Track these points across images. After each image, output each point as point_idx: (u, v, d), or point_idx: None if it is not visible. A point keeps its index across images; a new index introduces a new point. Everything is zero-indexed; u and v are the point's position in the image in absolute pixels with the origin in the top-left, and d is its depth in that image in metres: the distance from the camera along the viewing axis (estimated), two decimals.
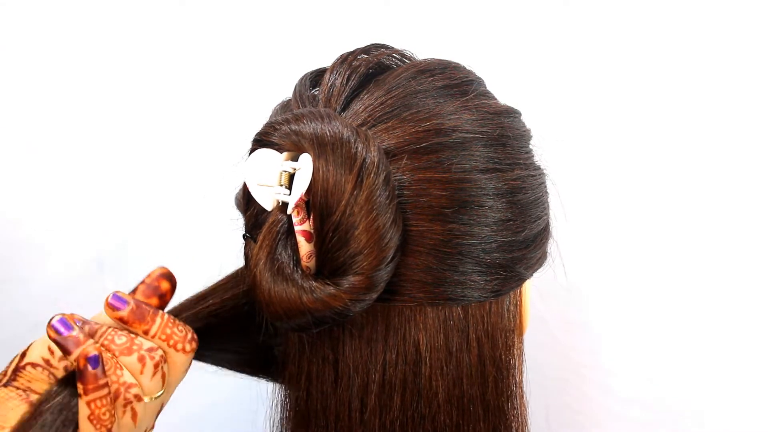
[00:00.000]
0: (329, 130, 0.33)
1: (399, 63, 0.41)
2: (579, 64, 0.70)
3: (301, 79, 0.41)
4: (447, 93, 0.38)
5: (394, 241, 0.34)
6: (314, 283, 0.33)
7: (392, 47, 0.42)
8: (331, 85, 0.38)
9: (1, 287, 0.74)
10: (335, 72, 0.39)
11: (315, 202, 0.33)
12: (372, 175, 0.33)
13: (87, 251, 0.76)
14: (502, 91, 0.44)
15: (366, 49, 0.41)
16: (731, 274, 0.67)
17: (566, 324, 0.73)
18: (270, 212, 0.35)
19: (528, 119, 0.44)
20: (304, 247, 0.34)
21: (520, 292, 0.41)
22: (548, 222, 0.42)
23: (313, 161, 0.33)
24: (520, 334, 0.42)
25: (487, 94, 0.41)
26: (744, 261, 0.66)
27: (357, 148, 0.33)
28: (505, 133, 0.38)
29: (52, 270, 0.75)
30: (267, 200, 0.35)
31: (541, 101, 0.69)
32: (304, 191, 0.33)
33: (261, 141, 0.36)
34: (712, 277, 0.67)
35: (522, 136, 0.41)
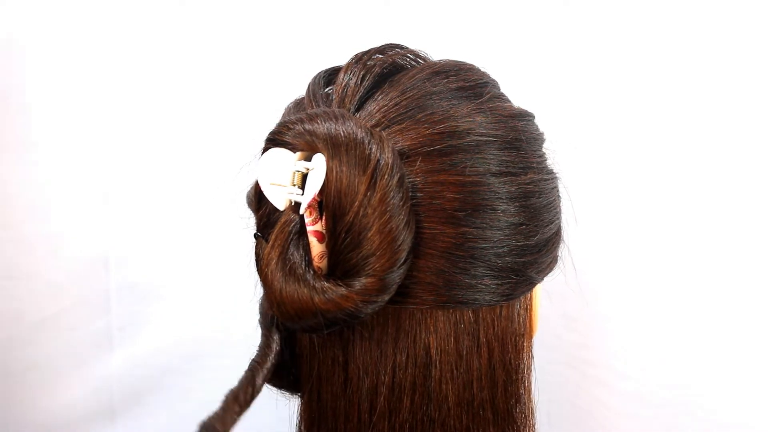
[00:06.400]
0: (343, 131, 0.33)
1: (414, 63, 0.41)
2: (579, 65, 0.70)
3: (315, 77, 0.41)
4: (461, 95, 0.38)
5: (407, 244, 0.33)
6: (326, 284, 0.33)
7: (407, 47, 0.42)
8: (345, 84, 0.38)
9: (5, 284, 0.74)
10: (350, 72, 0.38)
11: (328, 203, 0.33)
12: (386, 177, 0.32)
13: (92, 249, 0.76)
14: (502, 91, 0.44)
15: (381, 49, 0.41)
16: (733, 273, 0.67)
17: (568, 321, 0.74)
18: (282, 212, 0.35)
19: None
20: (316, 248, 0.34)
21: (531, 295, 0.41)
22: (560, 226, 0.42)
23: (327, 161, 0.33)
24: (530, 337, 0.41)
25: (501, 97, 0.41)
26: (747, 263, 0.67)
27: (371, 149, 0.33)
28: (518, 137, 0.38)
29: (57, 268, 0.75)
30: (279, 200, 0.35)
31: (540, 102, 0.68)
32: (318, 191, 0.33)
33: (274, 140, 0.36)
34: (713, 275, 0.68)
35: (535, 139, 0.40)
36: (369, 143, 0.33)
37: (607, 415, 0.73)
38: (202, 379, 0.80)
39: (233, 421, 0.34)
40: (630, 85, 0.69)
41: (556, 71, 0.70)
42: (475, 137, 0.36)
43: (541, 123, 0.43)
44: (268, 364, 0.37)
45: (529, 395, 0.41)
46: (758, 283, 0.67)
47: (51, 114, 0.73)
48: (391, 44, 0.42)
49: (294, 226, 0.34)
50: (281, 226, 0.34)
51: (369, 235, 0.32)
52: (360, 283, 0.33)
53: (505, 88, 0.43)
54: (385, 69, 0.39)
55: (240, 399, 0.35)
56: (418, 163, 0.35)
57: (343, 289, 0.33)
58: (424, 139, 0.36)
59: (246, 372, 0.37)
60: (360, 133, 0.33)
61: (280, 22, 0.73)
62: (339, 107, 0.37)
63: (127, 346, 0.79)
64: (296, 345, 0.41)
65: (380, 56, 0.40)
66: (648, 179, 0.69)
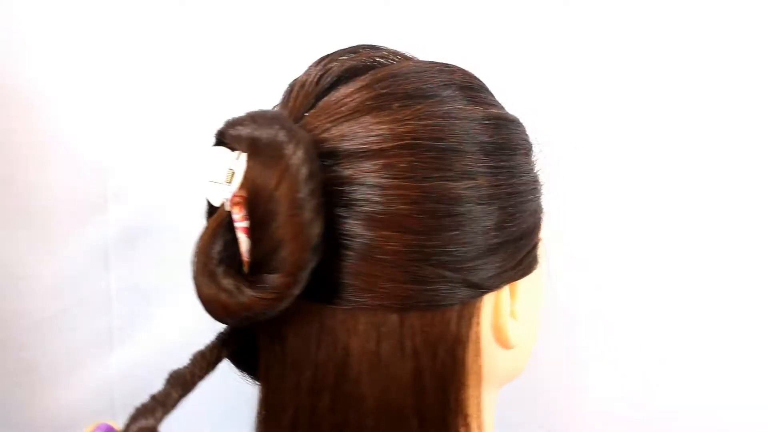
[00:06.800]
0: (264, 132, 0.34)
1: (383, 63, 0.41)
2: (579, 65, 0.69)
3: (295, 77, 0.42)
4: (415, 96, 0.38)
5: (314, 240, 0.34)
6: (231, 281, 0.34)
7: (381, 48, 0.42)
8: (300, 84, 0.39)
9: (5, 284, 0.75)
10: (308, 73, 0.40)
11: (247, 200, 0.34)
12: (295, 172, 0.33)
13: (92, 249, 0.77)
14: (501, 92, 0.44)
15: (349, 50, 0.41)
16: (728, 275, 0.67)
17: (567, 321, 0.73)
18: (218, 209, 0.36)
19: (526, 121, 0.43)
20: (245, 244, 0.35)
21: (481, 305, 0.38)
22: (521, 235, 0.40)
23: (247, 161, 0.34)
24: (477, 348, 0.39)
25: (473, 99, 0.39)
26: (745, 267, 0.66)
27: (288, 148, 0.33)
28: (468, 140, 0.37)
29: (57, 268, 0.76)
30: (215, 197, 0.36)
31: (540, 102, 0.69)
32: (236, 189, 0.34)
33: (217, 139, 0.37)
34: (707, 278, 0.67)
35: (495, 143, 0.38)
36: (286, 143, 0.33)
37: (606, 419, 0.73)
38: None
39: (200, 377, 0.37)
40: (630, 85, 0.68)
41: (556, 71, 0.70)
42: (410, 141, 0.36)
43: (542, 123, 0.43)
44: (232, 344, 0.40)
45: (478, 407, 0.39)
46: (755, 286, 0.66)
47: (51, 114, 0.73)
48: (363, 45, 0.42)
49: (221, 222, 0.36)
50: (210, 222, 0.36)
51: (275, 229, 0.33)
52: (266, 280, 0.34)
53: (505, 88, 0.43)
54: (347, 71, 0.40)
55: (207, 357, 0.38)
56: (345, 163, 0.36)
57: (246, 287, 0.34)
58: (356, 140, 0.36)
59: (213, 340, 0.40)
60: (280, 135, 0.34)
61: (279, 22, 0.73)
62: (293, 106, 0.39)
63: (128, 347, 0.79)
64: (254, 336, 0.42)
65: (344, 57, 0.40)
66: (648, 180, 0.69)
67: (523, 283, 0.41)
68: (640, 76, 0.68)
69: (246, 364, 0.43)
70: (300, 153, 0.33)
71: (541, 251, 0.43)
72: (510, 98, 0.43)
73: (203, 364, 0.38)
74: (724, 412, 0.69)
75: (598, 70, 0.69)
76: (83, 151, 0.75)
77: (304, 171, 0.33)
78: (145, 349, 0.80)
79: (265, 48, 0.74)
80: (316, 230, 0.34)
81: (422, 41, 0.64)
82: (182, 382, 0.36)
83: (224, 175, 0.35)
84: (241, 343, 0.41)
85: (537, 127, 0.44)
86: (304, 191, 0.33)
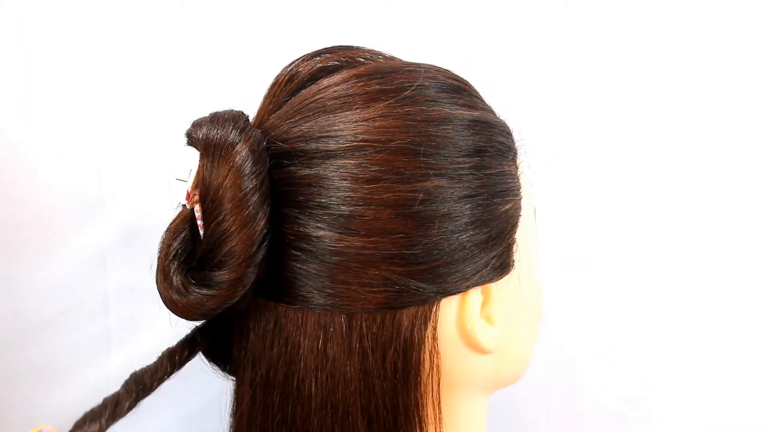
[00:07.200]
0: (217, 133, 0.35)
1: (360, 63, 0.41)
2: (579, 65, 0.69)
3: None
4: (375, 98, 0.37)
5: (258, 235, 0.35)
6: (180, 279, 0.35)
7: (359, 48, 0.42)
8: (271, 85, 0.41)
9: (5, 284, 0.74)
10: (281, 74, 0.41)
11: (200, 197, 0.36)
12: (239, 171, 0.34)
13: (91, 250, 0.77)
14: (501, 91, 0.44)
15: (324, 50, 0.42)
16: (728, 275, 0.67)
17: (567, 323, 0.73)
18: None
19: (526, 121, 0.43)
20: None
21: (438, 308, 0.37)
22: (487, 239, 0.38)
23: (200, 160, 0.36)
24: (437, 352, 0.38)
25: (435, 101, 0.38)
26: (741, 265, 0.66)
27: (235, 147, 0.35)
28: (420, 141, 0.36)
29: (56, 269, 0.76)
30: (181, 195, 0.38)
31: (540, 102, 0.69)
32: (192, 186, 0.36)
33: (186, 139, 0.39)
34: (707, 277, 0.67)
35: (446, 145, 0.37)
36: (235, 143, 0.35)
37: (609, 419, 0.73)
38: (202, 380, 0.80)
39: (162, 378, 0.38)
40: (630, 84, 0.68)
41: (556, 71, 0.70)
42: (361, 143, 0.36)
43: (542, 122, 0.43)
44: (204, 340, 0.40)
45: (438, 411, 0.38)
46: (754, 285, 0.66)
47: (51, 115, 0.73)
48: (340, 45, 0.42)
49: (183, 219, 0.37)
50: (173, 219, 0.37)
51: (221, 223, 0.34)
52: (211, 278, 0.35)
53: (505, 88, 0.43)
54: (319, 71, 0.40)
55: (175, 358, 0.39)
56: (300, 164, 0.36)
57: (194, 286, 0.35)
58: (312, 141, 0.36)
59: (186, 335, 0.40)
60: (231, 135, 0.35)
61: (279, 23, 0.73)
62: (263, 106, 0.41)
63: (126, 348, 0.79)
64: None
65: (317, 58, 0.41)
66: (648, 180, 0.68)
67: (498, 287, 0.40)
68: (639, 76, 0.68)
69: (221, 359, 0.44)
70: (245, 151, 0.34)
71: (524, 254, 0.41)
72: (510, 98, 0.43)
73: (168, 364, 0.38)
74: (723, 412, 0.69)
75: (598, 69, 0.69)
76: (80, 152, 0.75)
77: (247, 167, 0.34)
78: (143, 351, 0.79)
79: (264, 49, 0.73)
80: (260, 225, 0.34)
81: (422, 41, 0.64)
82: (139, 387, 0.37)
83: (188, 174, 0.37)
84: (216, 338, 0.41)
85: (537, 127, 0.43)
86: (247, 187, 0.34)
